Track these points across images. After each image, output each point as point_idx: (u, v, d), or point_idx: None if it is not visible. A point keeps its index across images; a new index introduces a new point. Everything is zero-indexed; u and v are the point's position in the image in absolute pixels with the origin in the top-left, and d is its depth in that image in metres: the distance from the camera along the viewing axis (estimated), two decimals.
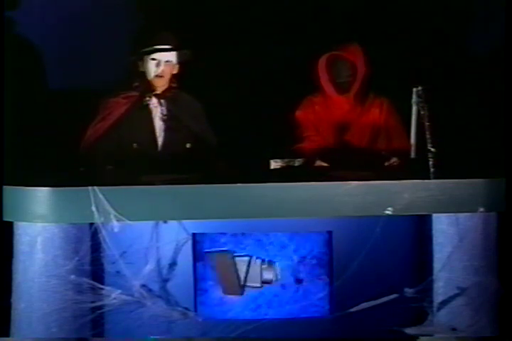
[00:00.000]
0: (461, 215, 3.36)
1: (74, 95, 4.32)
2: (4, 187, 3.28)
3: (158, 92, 3.84)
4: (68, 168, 3.58)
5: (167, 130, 3.86)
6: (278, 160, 3.62)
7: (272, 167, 3.62)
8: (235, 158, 3.78)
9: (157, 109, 3.86)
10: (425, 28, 4.49)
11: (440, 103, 3.74)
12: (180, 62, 3.87)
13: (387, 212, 3.27)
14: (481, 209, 3.31)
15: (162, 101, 3.85)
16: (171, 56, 3.84)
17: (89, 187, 3.17)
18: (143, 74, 3.84)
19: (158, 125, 3.86)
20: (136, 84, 3.84)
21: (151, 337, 3.36)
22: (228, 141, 3.96)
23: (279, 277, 3.45)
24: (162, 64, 3.81)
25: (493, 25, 4.17)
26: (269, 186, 3.27)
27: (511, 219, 3.33)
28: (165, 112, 3.85)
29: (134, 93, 3.84)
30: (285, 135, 4.01)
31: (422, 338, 3.38)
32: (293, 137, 4.00)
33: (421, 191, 3.28)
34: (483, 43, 4.39)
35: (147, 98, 3.82)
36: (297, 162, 3.64)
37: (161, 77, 3.82)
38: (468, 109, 4.32)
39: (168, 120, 3.86)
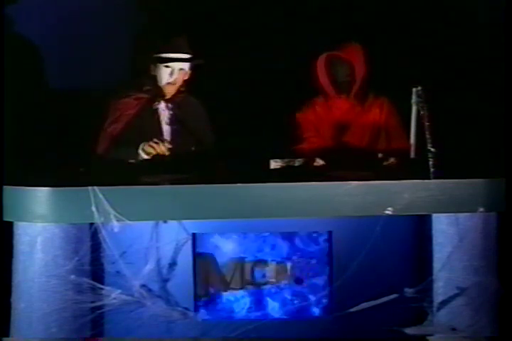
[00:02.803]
0: (461, 215, 3.36)
1: (74, 95, 4.32)
2: (4, 187, 3.28)
3: (167, 97, 3.84)
4: (68, 168, 3.58)
5: (173, 133, 3.86)
6: (278, 160, 3.62)
7: (272, 167, 3.61)
8: (235, 158, 3.78)
9: (165, 113, 3.86)
10: (425, 28, 4.49)
11: (440, 103, 3.74)
12: (192, 68, 3.86)
13: (387, 212, 3.27)
14: (481, 209, 3.31)
15: (170, 105, 3.85)
16: (185, 64, 3.83)
17: (89, 187, 3.17)
18: (154, 78, 3.84)
19: (165, 128, 3.86)
20: (148, 88, 3.84)
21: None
22: (228, 141, 3.96)
23: (278, 277, 3.45)
24: (176, 72, 3.80)
25: (493, 25, 4.16)
26: (269, 186, 3.27)
27: (511, 219, 3.33)
28: (172, 116, 3.85)
29: (145, 95, 3.84)
30: (285, 135, 4.01)
31: (421, 338, 3.39)
32: (293, 138, 4.00)
33: (421, 191, 3.28)
34: (483, 43, 4.39)
35: (156, 102, 3.82)
36: (297, 162, 3.64)
37: (174, 84, 3.82)
38: (468, 109, 4.32)
39: (174, 124, 3.86)
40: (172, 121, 3.86)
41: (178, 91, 3.87)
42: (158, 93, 3.83)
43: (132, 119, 3.78)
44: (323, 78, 3.98)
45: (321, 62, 3.97)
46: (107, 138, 3.77)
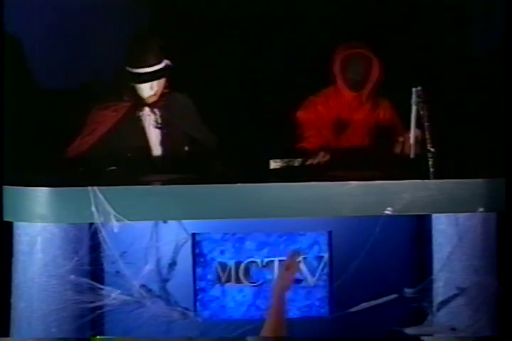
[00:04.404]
0: (461, 215, 3.36)
1: (74, 96, 4.32)
2: (4, 187, 3.28)
3: (150, 103, 3.81)
4: (68, 168, 3.58)
5: (164, 136, 3.82)
6: (278, 160, 3.62)
7: (272, 167, 3.62)
8: (235, 158, 3.78)
9: (151, 118, 3.81)
10: (425, 28, 4.49)
11: (440, 103, 3.74)
12: (170, 74, 3.80)
13: (387, 212, 3.27)
14: (481, 209, 3.31)
15: (155, 109, 3.81)
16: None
17: (89, 187, 3.17)
18: (133, 88, 3.76)
19: (154, 133, 3.82)
20: (127, 98, 3.77)
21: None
22: (228, 141, 3.95)
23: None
24: (155, 85, 3.74)
25: (493, 25, 4.17)
26: (269, 186, 3.27)
27: (511, 219, 3.33)
28: (159, 120, 3.81)
29: (124, 104, 3.78)
30: (285, 135, 4.00)
31: (422, 338, 3.39)
32: (294, 137, 3.98)
33: (421, 191, 3.28)
34: (483, 43, 4.39)
35: (139, 110, 3.79)
36: (297, 162, 3.64)
37: (155, 95, 3.78)
38: (467, 109, 4.32)
39: (163, 127, 3.82)
40: (160, 124, 3.82)
41: (162, 94, 3.81)
42: (139, 101, 3.78)
43: (109, 132, 3.73)
44: (338, 74, 3.94)
45: (339, 58, 3.93)
46: (78, 148, 3.73)
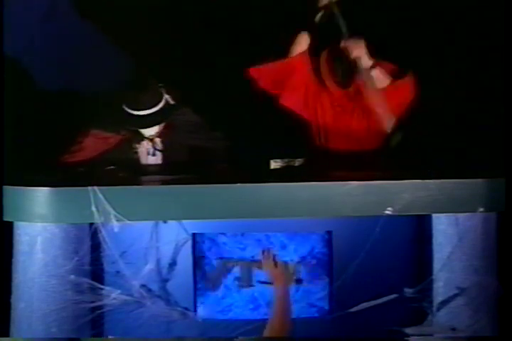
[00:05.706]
0: (461, 215, 3.36)
1: (74, 96, 4.31)
2: (4, 187, 3.28)
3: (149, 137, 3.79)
4: (68, 168, 3.58)
5: (164, 159, 3.79)
6: (278, 160, 3.62)
7: (272, 167, 3.62)
8: (235, 158, 3.78)
9: (148, 147, 3.79)
10: (425, 27, 4.47)
11: (440, 103, 3.74)
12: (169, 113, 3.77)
13: (387, 212, 3.27)
14: (481, 209, 3.31)
15: (154, 141, 3.79)
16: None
17: (89, 187, 3.17)
18: (131, 120, 3.70)
19: (151, 159, 3.80)
20: (124, 133, 3.74)
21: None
22: (228, 141, 3.95)
23: None
24: (156, 128, 3.72)
25: (493, 24, 4.16)
26: (269, 186, 3.27)
27: (511, 219, 3.33)
28: (158, 147, 3.81)
29: (120, 137, 3.74)
30: (285, 135, 4.00)
31: (422, 338, 3.39)
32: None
33: (421, 191, 3.28)
34: (482, 43, 4.38)
35: (136, 143, 3.77)
36: (297, 162, 3.64)
37: (155, 134, 3.75)
38: (468, 109, 4.31)
39: (165, 150, 3.80)
40: (162, 149, 3.79)
41: (161, 133, 3.77)
42: (137, 135, 3.75)
43: (99, 155, 3.70)
44: (325, 72, 3.94)
45: (324, 56, 3.93)
46: (67, 160, 3.72)
